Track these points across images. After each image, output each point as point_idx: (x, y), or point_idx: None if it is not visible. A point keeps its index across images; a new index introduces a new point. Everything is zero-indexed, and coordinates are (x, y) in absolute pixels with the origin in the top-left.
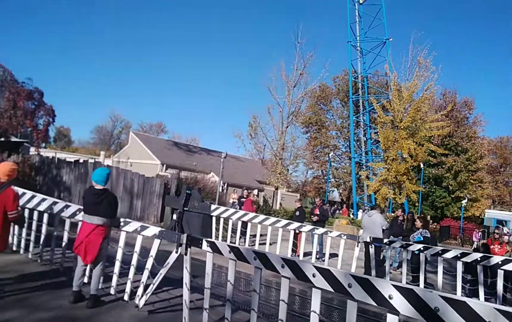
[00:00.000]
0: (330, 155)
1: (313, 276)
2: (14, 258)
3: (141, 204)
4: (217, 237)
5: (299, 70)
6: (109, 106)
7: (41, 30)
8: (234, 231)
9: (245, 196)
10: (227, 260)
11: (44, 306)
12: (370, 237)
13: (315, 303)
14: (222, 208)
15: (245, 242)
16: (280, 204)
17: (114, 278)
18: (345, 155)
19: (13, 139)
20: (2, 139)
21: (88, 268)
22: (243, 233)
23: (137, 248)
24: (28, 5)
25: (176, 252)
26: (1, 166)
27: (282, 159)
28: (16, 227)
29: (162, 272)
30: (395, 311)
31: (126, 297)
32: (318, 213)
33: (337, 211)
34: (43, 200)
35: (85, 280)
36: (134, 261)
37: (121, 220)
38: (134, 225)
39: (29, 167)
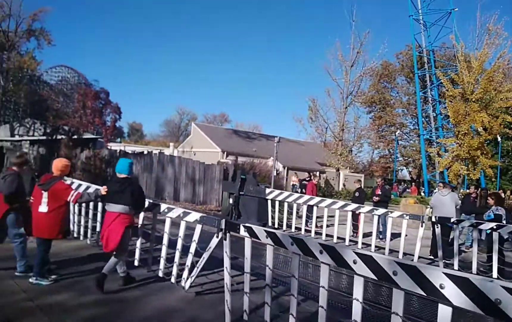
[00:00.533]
0: (396, 133)
1: (354, 262)
2: (74, 244)
3: (203, 190)
4: (273, 219)
5: (355, 49)
6: (177, 101)
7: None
8: (293, 214)
9: (307, 179)
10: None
11: (95, 289)
12: (435, 217)
13: (358, 291)
14: (277, 191)
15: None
16: (344, 185)
17: (162, 262)
18: (414, 133)
19: (86, 136)
20: (75, 137)
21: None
22: (308, 217)
23: (181, 232)
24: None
25: (217, 237)
26: (55, 162)
27: (342, 141)
28: (76, 216)
29: (205, 255)
30: (447, 302)
31: (173, 280)
32: (380, 193)
33: (406, 190)
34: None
35: (136, 263)
36: (179, 245)
37: (165, 206)
38: (177, 211)
39: (99, 160)
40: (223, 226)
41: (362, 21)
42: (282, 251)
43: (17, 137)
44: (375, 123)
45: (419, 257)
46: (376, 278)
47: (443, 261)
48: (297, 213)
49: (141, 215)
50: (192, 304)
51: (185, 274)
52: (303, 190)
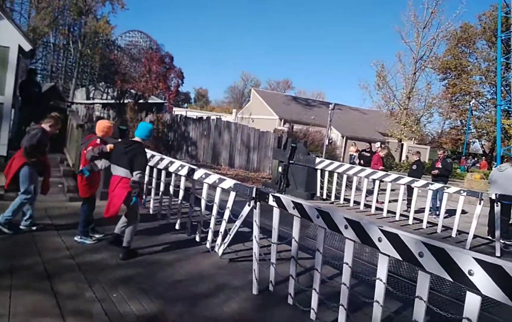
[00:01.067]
0: (471, 103)
1: (379, 240)
2: None
3: (257, 157)
4: (321, 190)
5: (430, 9)
6: (242, 67)
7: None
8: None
9: (367, 150)
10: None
11: (134, 248)
12: (496, 194)
13: (382, 271)
14: (327, 162)
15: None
16: (407, 157)
17: (199, 227)
18: (490, 103)
19: (151, 100)
20: (141, 101)
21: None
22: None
23: (217, 199)
24: None
25: (249, 205)
26: (98, 123)
27: (408, 109)
28: None
29: (237, 223)
30: (475, 291)
31: (208, 245)
32: (440, 166)
33: (475, 165)
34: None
35: (177, 226)
36: (214, 212)
37: (202, 172)
38: (213, 177)
39: (161, 125)
40: (254, 195)
41: None
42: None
43: (91, 101)
44: (448, 91)
45: (475, 236)
46: (401, 258)
47: (502, 241)
48: (349, 184)
49: (182, 179)
50: (224, 270)
51: (219, 240)
52: (361, 161)
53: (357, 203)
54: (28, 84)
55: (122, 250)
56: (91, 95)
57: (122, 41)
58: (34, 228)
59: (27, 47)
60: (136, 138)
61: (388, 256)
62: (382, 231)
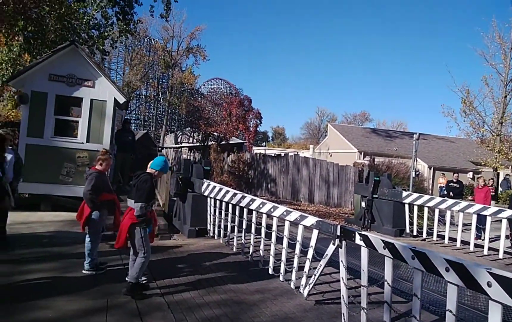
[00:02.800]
0: None
1: (489, 285)
2: (210, 242)
3: (338, 192)
4: (411, 225)
5: None
6: (316, 102)
7: (250, 45)
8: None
9: (455, 181)
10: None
11: (219, 287)
12: None
13: (494, 320)
14: (416, 195)
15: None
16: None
17: (282, 266)
18: None
19: (232, 141)
20: (223, 142)
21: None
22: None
23: (299, 237)
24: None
25: (333, 244)
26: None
27: (500, 135)
28: (211, 216)
29: (322, 263)
30: None
31: (292, 285)
32: None
33: None
34: (227, 192)
35: (260, 265)
36: (297, 250)
37: (283, 209)
38: (294, 215)
39: (242, 163)
40: (338, 233)
41: None
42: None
43: (178, 145)
44: None
45: None
46: None
47: None
48: (441, 219)
49: (264, 217)
50: (310, 313)
51: (303, 280)
52: (450, 193)
53: (452, 239)
54: (123, 133)
55: (127, 284)
56: (178, 139)
57: (205, 89)
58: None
59: (121, 100)
60: (149, 170)
61: (501, 304)
62: (492, 274)
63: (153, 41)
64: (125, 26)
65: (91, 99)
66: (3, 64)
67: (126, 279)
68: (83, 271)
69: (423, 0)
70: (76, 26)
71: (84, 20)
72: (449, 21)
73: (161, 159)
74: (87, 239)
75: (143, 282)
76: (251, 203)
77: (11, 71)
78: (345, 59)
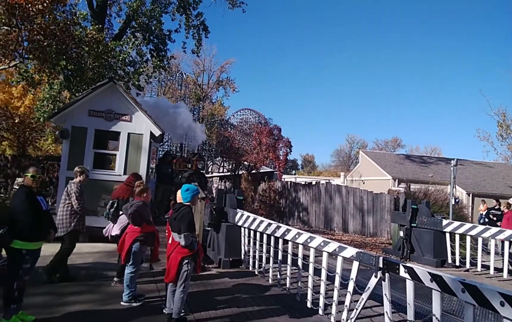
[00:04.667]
0: None
1: None
2: (245, 273)
3: (373, 221)
4: (453, 255)
5: None
6: (346, 129)
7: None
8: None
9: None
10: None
11: (257, 321)
12: None
13: None
14: (457, 223)
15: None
16: None
17: (321, 299)
18: None
19: (262, 170)
20: (253, 171)
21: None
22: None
23: (338, 269)
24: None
25: (376, 277)
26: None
27: None
28: (246, 247)
29: (364, 297)
30: None
31: (332, 320)
32: None
33: None
34: (261, 222)
35: (298, 298)
36: (336, 283)
37: (321, 240)
38: (333, 246)
39: (273, 192)
40: (381, 265)
41: None
42: None
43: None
44: None
45: None
46: None
47: None
48: (484, 248)
49: (300, 248)
50: None
51: (344, 315)
52: (493, 219)
53: (498, 270)
54: (163, 165)
55: (168, 318)
56: (209, 169)
57: (235, 120)
58: (135, 304)
59: (157, 132)
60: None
61: None
62: None
63: (184, 76)
64: (158, 62)
65: (128, 133)
66: (45, 101)
67: (164, 311)
68: (122, 303)
69: (451, 23)
70: (113, 64)
71: (120, 58)
72: (483, 42)
73: (184, 189)
74: (127, 271)
75: (182, 314)
76: (286, 232)
77: (52, 107)
78: (375, 85)
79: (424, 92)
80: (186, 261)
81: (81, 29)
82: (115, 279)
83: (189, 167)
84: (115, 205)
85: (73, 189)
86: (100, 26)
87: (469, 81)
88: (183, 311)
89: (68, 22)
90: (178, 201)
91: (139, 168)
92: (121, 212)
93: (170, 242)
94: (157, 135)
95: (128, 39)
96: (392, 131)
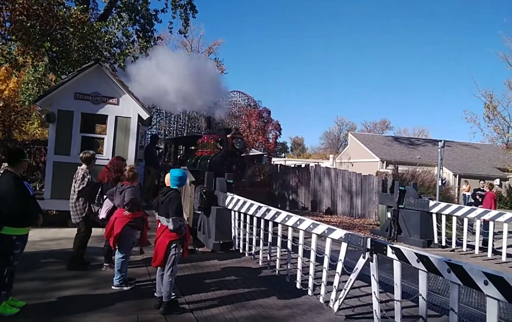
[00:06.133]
0: None
1: None
2: (235, 256)
3: (361, 202)
4: (439, 235)
5: None
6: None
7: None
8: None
9: (481, 189)
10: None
11: (247, 302)
12: None
13: None
14: (443, 204)
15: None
16: None
17: (310, 280)
18: None
19: (252, 153)
20: (243, 154)
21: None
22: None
23: (327, 251)
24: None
25: (364, 258)
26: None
27: None
28: (236, 230)
29: (352, 277)
30: None
31: (321, 300)
32: None
33: None
34: (251, 205)
35: (287, 279)
36: (325, 264)
37: (310, 222)
38: (321, 228)
39: (263, 175)
40: (368, 246)
41: None
42: None
43: None
44: None
45: None
46: None
47: None
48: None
49: (289, 230)
50: None
51: (333, 295)
52: (479, 201)
53: (483, 249)
54: (152, 148)
55: (162, 303)
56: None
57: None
58: (126, 288)
59: (145, 116)
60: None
61: None
62: None
63: None
64: (145, 43)
65: (116, 116)
66: (29, 84)
67: (155, 294)
68: (113, 287)
69: (443, 5)
70: (98, 45)
71: (106, 39)
72: (470, 24)
73: (175, 176)
74: (118, 255)
75: (172, 298)
76: (276, 215)
77: (37, 90)
78: (364, 67)
79: (412, 74)
80: (173, 244)
81: (65, 10)
82: (105, 264)
83: (221, 147)
84: (99, 189)
85: (79, 175)
86: (85, 6)
87: (458, 62)
88: (173, 294)
89: (52, 2)
90: (166, 184)
91: (127, 152)
92: (105, 196)
93: (159, 226)
94: (145, 118)
95: (113, 20)
96: (380, 113)
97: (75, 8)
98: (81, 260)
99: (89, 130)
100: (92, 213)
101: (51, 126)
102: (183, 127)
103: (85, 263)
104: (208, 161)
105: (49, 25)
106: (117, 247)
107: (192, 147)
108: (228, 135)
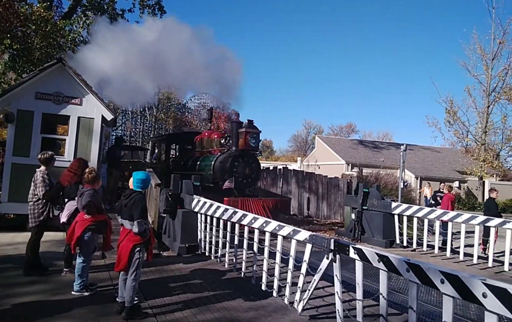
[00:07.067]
0: None
1: (484, 296)
2: (201, 259)
3: (327, 204)
4: (401, 236)
5: (497, 40)
6: (303, 115)
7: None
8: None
9: (442, 190)
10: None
11: (212, 305)
12: None
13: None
14: (405, 205)
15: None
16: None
17: (275, 281)
18: None
19: None
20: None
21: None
22: (443, 234)
23: (292, 252)
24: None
25: (327, 258)
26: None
27: (485, 145)
28: (202, 232)
29: (316, 278)
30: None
31: (286, 301)
32: None
33: None
34: (218, 207)
35: (253, 281)
36: (290, 265)
37: (276, 224)
38: (287, 229)
39: None
40: (332, 247)
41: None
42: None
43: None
44: None
45: None
46: None
47: None
48: (430, 229)
49: (256, 232)
50: None
51: (297, 296)
52: (439, 202)
53: (442, 249)
54: (116, 149)
55: (124, 308)
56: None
57: (192, 104)
58: (86, 293)
59: (109, 116)
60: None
61: (497, 314)
62: (487, 285)
63: None
64: None
65: (79, 117)
66: None
67: (117, 299)
68: (73, 292)
69: (407, 12)
70: (62, 44)
71: (70, 38)
72: (433, 32)
73: (138, 178)
74: (78, 260)
75: (135, 302)
76: (243, 218)
77: None
78: (331, 71)
79: (378, 79)
80: (137, 248)
81: (27, 7)
82: (65, 268)
83: (228, 142)
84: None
85: (38, 178)
86: (49, 3)
87: (421, 69)
88: (136, 298)
89: None
90: (130, 187)
91: (90, 153)
92: (66, 199)
93: (121, 230)
94: (109, 119)
95: (78, 18)
96: (347, 117)
97: (38, 5)
98: (39, 265)
99: (50, 131)
100: (50, 218)
101: (9, 127)
102: (150, 128)
103: (44, 268)
104: (213, 162)
105: (9, 22)
106: (78, 251)
107: (189, 147)
108: (241, 129)
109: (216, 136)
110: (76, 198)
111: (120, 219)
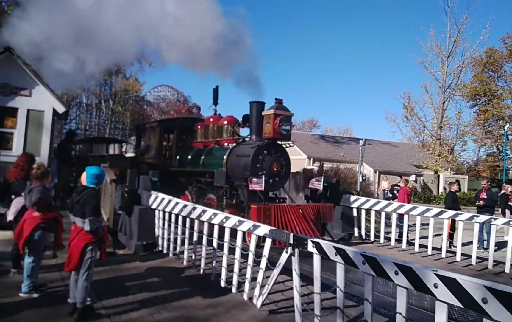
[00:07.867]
0: (506, 128)
1: (435, 286)
2: (159, 257)
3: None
4: (359, 229)
5: (452, 38)
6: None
7: None
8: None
9: (398, 184)
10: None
11: (169, 304)
12: None
13: (440, 320)
14: (363, 199)
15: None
16: (445, 189)
17: (235, 277)
18: None
19: None
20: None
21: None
22: (399, 226)
23: (252, 247)
24: None
25: (286, 252)
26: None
27: (441, 139)
28: (160, 230)
29: (275, 272)
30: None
31: (245, 297)
32: (485, 197)
33: None
34: (177, 203)
35: (212, 278)
36: (250, 261)
37: (236, 219)
38: (247, 225)
39: None
40: (291, 241)
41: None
42: None
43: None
44: (480, 117)
45: None
46: (461, 306)
47: None
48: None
49: (216, 228)
50: None
51: (257, 291)
52: (396, 196)
53: (398, 241)
54: (69, 145)
55: (77, 311)
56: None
57: (151, 96)
58: (35, 294)
59: (61, 109)
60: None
61: (447, 303)
62: (438, 276)
63: None
64: None
65: (28, 109)
66: None
67: (68, 300)
68: (21, 294)
69: (367, 8)
70: None
71: None
72: (392, 29)
73: (92, 174)
74: (28, 260)
75: (88, 303)
76: (202, 214)
77: None
78: (293, 66)
79: (339, 74)
80: (90, 247)
81: None
82: (13, 269)
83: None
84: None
85: None
86: None
87: (379, 65)
88: (89, 299)
89: None
90: (83, 183)
91: (40, 148)
92: (13, 196)
93: (73, 228)
94: (61, 112)
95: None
96: (309, 112)
97: None
98: None
99: None
100: None
101: None
102: (106, 122)
103: None
104: (225, 156)
105: None
106: (26, 251)
107: (188, 137)
108: (266, 112)
109: (226, 122)
110: (23, 194)
111: (72, 216)
